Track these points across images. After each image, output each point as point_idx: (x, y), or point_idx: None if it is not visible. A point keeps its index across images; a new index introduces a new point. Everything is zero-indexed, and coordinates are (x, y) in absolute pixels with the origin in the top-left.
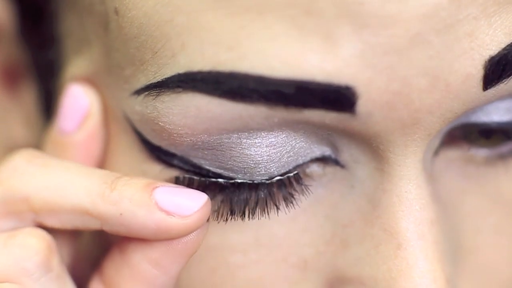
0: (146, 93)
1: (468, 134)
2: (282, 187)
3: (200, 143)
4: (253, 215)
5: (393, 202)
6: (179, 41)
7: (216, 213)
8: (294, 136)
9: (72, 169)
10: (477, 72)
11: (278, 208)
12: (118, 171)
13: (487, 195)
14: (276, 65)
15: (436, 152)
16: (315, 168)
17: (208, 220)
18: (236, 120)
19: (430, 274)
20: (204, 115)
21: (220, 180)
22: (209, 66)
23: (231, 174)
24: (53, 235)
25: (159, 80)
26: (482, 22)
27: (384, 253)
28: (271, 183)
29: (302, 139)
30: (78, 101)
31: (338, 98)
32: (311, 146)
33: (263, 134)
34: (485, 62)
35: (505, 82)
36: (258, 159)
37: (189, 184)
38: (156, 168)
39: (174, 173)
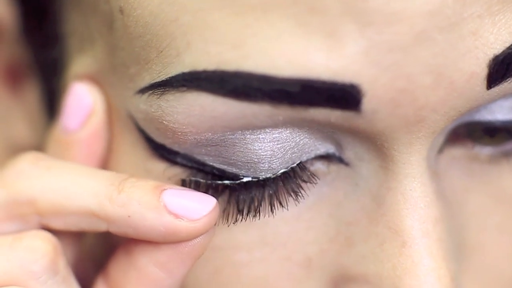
0: (151, 92)
1: (472, 132)
2: (288, 181)
3: (204, 140)
4: (259, 213)
5: (398, 200)
6: (184, 40)
7: (224, 214)
8: (298, 133)
9: (78, 171)
10: (481, 70)
11: (283, 206)
12: (121, 169)
13: (491, 193)
14: (280, 64)
15: (441, 150)
16: (319, 166)
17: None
18: (240, 118)
19: (435, 271)
20: (208, 114)
21: (226, 182)
22: (214, 65)
23: (234, 170)
24: (57, 237)
25: (163, 79)
26: (487, 21)
27: (389, 251)
28: (276, 178)
29: (306, 136)
30: (82, 99)
31: (344, 96)
32: (315, 143)
33: (267, 130)
34: (490, 61)
35: (509, 81)
36: (262, 154)
37: (196, 187)
38: (160, 166)
39: (178, 170)
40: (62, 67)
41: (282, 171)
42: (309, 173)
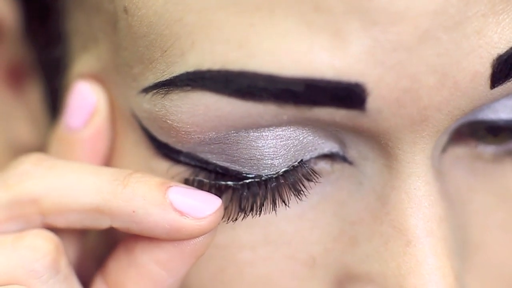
0: (155, 91)
1: (476, 131)
2: (290, 180)
3: (207, 139)
4: (261, 211)
5: (402, 199)
6: (188, 40)
7: (225, 212)
8: (302, 131)
9: (81, 169)
10: (485, 70)
11: (286, 204)
12: (124, 168)
13: (495, 192)
14: (285, 63)
15: (444, 149)
16: (323, 165)
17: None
18: (245, 118)
19: (439, 270)
20: (212, 113)
21: (230, 183)
22: (219, 65)
23: (237, 168)
24: (60, 236)
25: (167, 78)
26: (491, 20)
27: (393, 250)
28: (278, 177)
29: (309, 134)
30: (85, 98)
31: (348, 95)
32: (319, 142)
33: (271, 128)
34: (493, 60)
35: None
36: (265, 150)
37: (199, 186)
38: (163, 165)
39: (181, 169)
40: (65, 66)
41: (284, 169)
42: (311, 172)
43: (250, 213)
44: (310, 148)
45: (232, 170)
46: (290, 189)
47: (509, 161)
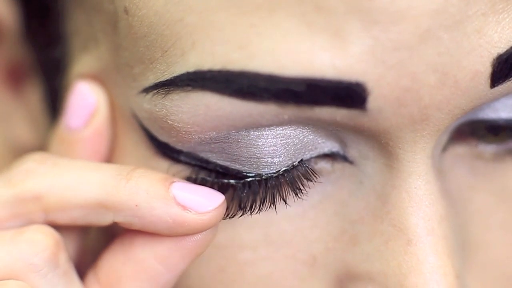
0: (155, 91)
1: (476, 130)
2: (290, 179)
3: (208, 139)
4: (261, 209)
5: (403, 198)
6: (189, 40)
7: (226, 211)
8: (302, 130)
9: (84, 165)
10: (485, 69)
11: (286, 203)
12: None
13: (495, 191)
14: (286, 63)
15: (445, 148)
16: (323, 165)
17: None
18: (246, 118)
19: (440, 269)
20: (213, 113)
21: (231, 181)
22: (219, 65)
23: (237, 166)
24: (60, 232)
25: (168, 78)
26: (491, 19)
27: (394, 249)
28: (278, 176)
29: (310, 133)
30: (85, 98)
31: (349, 94)
32: (319, 141)
33: (271, 127)
34: (493, 59)
35: None
36: (265, 149)
37: (201, 185)
38: (164, 164)
39: (181, 169)
40: (65, 67)
41: (284, 168)
42: (311, 171)
43: (250, 211)
44: (310, 147)
45: (232, 169)
46: (290, 188)
47: (509, 160)
